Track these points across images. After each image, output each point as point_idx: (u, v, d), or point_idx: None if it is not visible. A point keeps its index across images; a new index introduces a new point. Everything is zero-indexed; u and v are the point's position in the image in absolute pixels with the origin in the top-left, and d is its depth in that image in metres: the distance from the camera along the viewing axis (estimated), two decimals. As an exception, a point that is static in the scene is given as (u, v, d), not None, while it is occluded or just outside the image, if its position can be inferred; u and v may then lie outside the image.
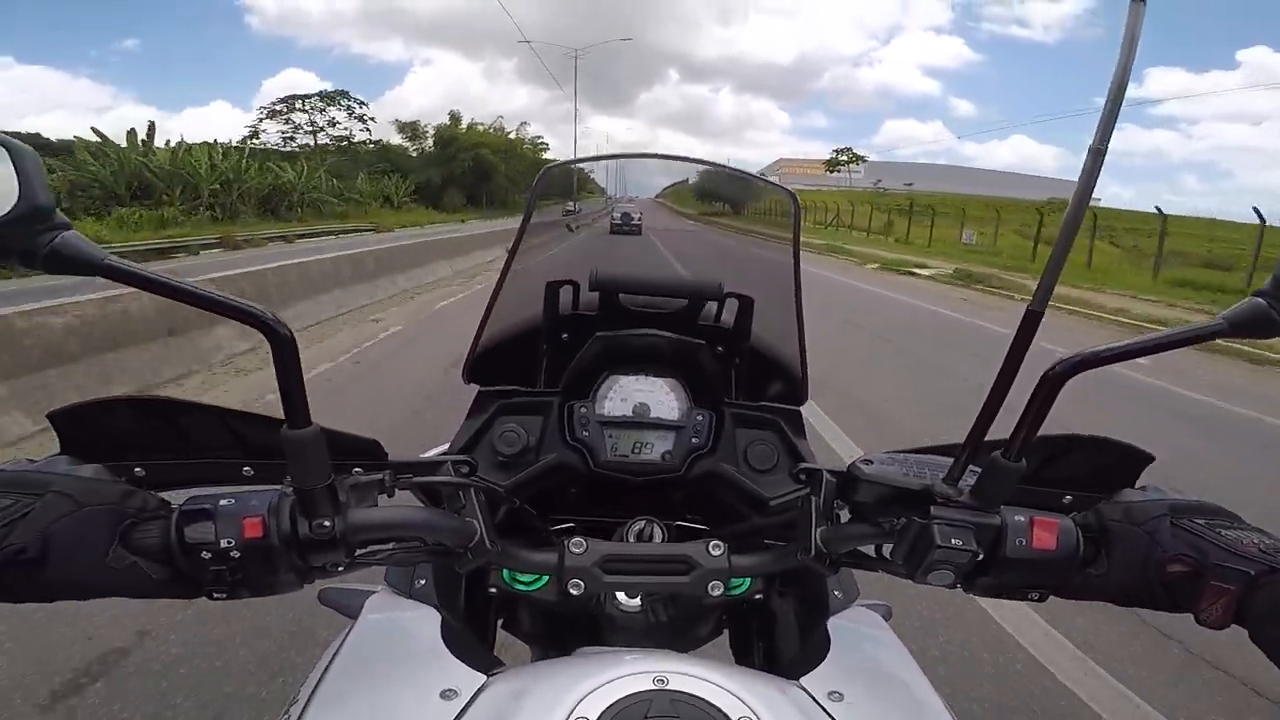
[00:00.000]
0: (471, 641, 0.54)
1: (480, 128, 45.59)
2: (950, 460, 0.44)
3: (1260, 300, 0.36)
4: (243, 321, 0.36)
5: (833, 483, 0.50)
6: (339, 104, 43.40)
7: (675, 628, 0.61)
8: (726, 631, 0.70)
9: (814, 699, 0.45)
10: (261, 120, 42.58)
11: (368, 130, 43.13)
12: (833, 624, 0.55)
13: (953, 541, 0.43)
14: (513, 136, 49.82)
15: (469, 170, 41.46)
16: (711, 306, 0.72)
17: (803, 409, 0.72)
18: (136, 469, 0.46)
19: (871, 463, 0.48)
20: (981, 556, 0.43)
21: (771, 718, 0.39)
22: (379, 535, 0.44)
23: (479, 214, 40.92)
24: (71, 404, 0.46)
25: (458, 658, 0.47)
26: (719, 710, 0.39)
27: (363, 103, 43.99)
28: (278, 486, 0.41)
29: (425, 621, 0.53)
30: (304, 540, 0.41)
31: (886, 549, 0.48)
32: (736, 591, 0.61)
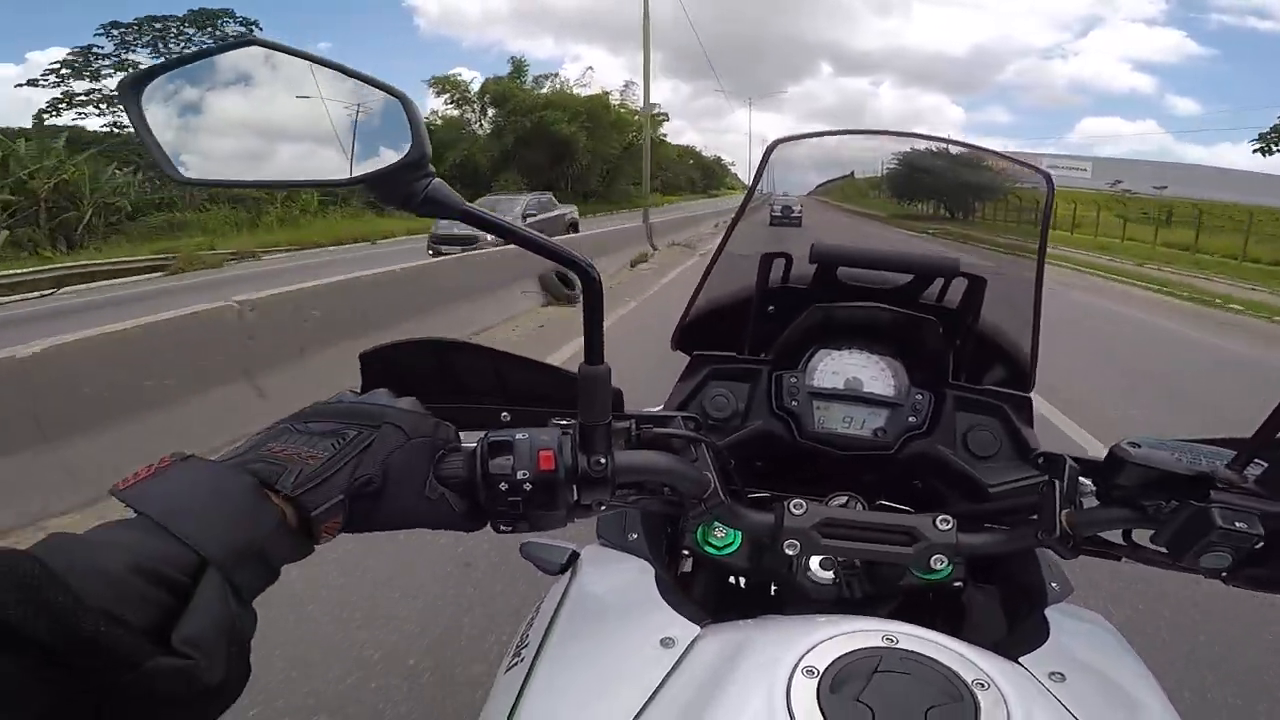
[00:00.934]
0: (682, 594, 0.62)
1: (556, 84, 36.93)
2: (1227, 452, 0.48)
3: None
4: (563, 264, 0.45)
5: (1076, 468, 0.54)
6: (219, 30, 27.81)
7: (863, 606, 0.68)
8: None
9: (1035, 677, 0.48)
10: (62, 67, 26.79)
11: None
12: (1050, 612, 0.59)
13: (1236, 525, 0.45)
14: (616, 101, 39.07)
15: (525, 142, 32.35)
16: (934, 287, 0.78)
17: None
18: None
19: (1140, 445, 0.51)
20: (1261, 545, 0.46)
21: (1006, 684, 0.42)
22: (636, 477, 0.52)
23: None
24: (380, 345, 0.58)
25: (673, 608, 0.55)
26: (954, 672, 0.42)
27: (251, 22, 29.40)
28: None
29: (642, 573, 0.62)
30: (582, 475, 0.48)
31: (1140, 536, 0.51)
32: (939, 575, 0.66)
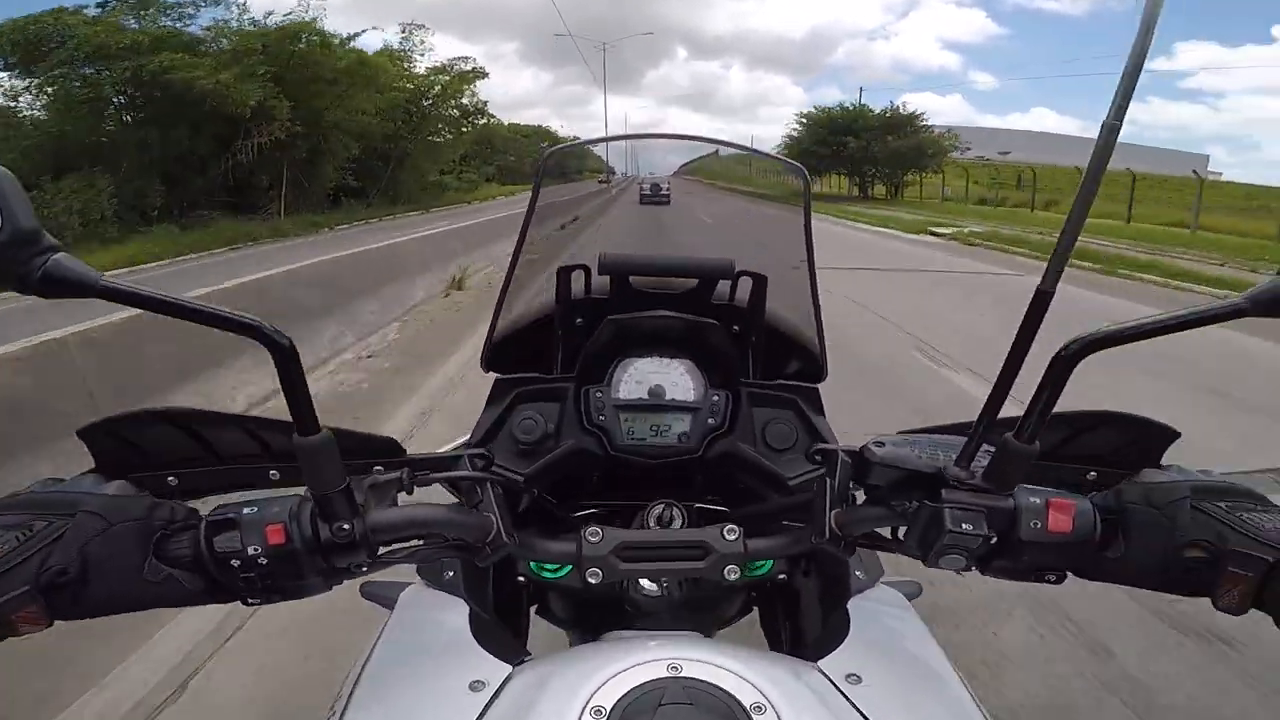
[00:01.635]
0: (499, 632, 0.68)
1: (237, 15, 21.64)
2: (964, 440, 0.52)
3: None
4: (242, 334, 0.45)
5: (848, 463, 0.60)
6: None
7: (701, 608, 0.76)
8: (757, 610, 0.87)
9: (831, 682, 0.55)
10: None
11: None
12: (853, 605, 0.68)
13: (963, 526, 0.50)
14: (395, 44, 26.67)
15: (140, 119, 19.17)
16: (725, 286, 0.87)
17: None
18: (170, 478, 0.58)
19: (884, 445, 0.58)
20: (995, 540, 0.52)
21: (784, 703, 0.47)
22: (399, 534, 0.55)
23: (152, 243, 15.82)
24: (99, 419, 0.56)
25: (485, 649, 0.59)
26: (731, 696, 0.47)
27: None
28: (300, 490, 0.52)
29: (455, 614, 0.65)
30: (326, 544, 0.51)
31: (901, 533, 0.57)
32: (759, 573, 0.75)
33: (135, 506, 0.50)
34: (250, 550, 0.49)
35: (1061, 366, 0.45)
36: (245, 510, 0.50)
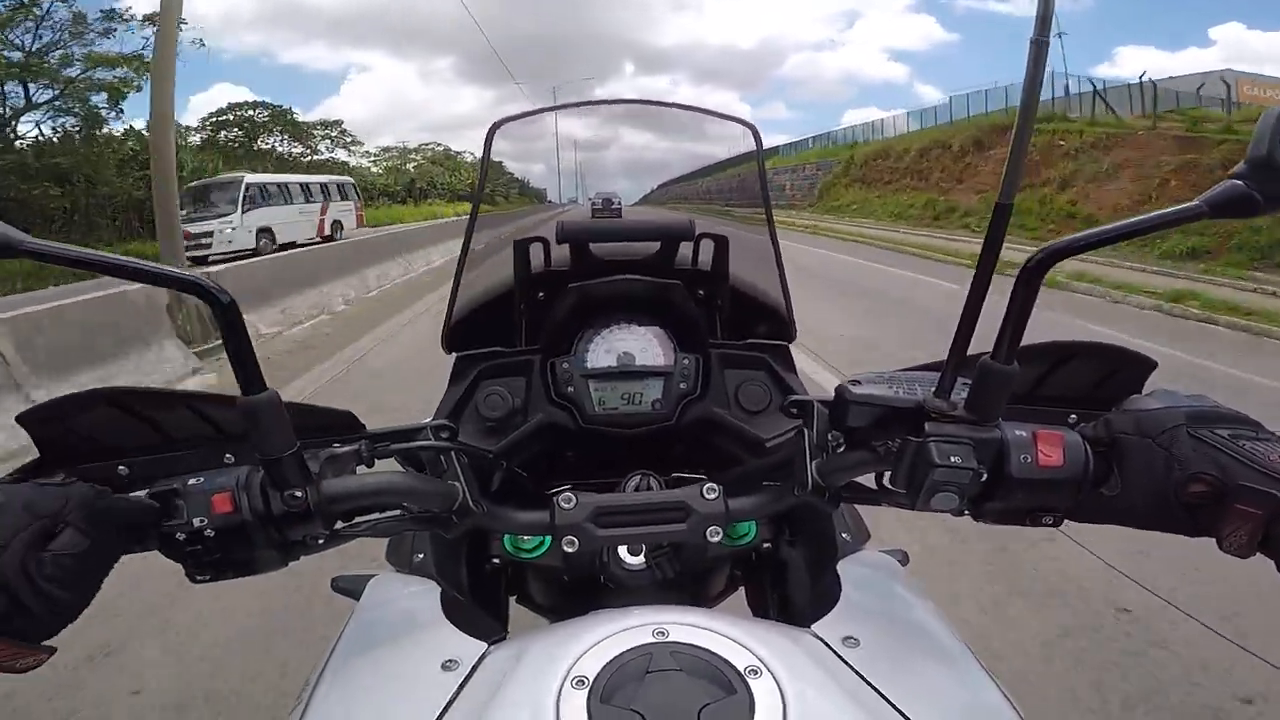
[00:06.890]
0: (473, 612, 0.65)
1: None
2: (941, 375, 0.51)
3: (1238, 182, 0.42)
4: (182, 290, 0.44)
5: (825, 413, 0.60)
6: None
7: (685, 584, 0.73)
8: (744, 588, 0.85)
9: (827, 645, 0.53)
10: None
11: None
12: (842, 568, 0.66)
13: (951, 459, 0.48)
14: None
15: None
16: (687, 251, 0.86)
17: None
18: (120, 467, 0.55)
19: (860, 384, 0.56)
20: (985, 477, 0.50)
21: (781, 666, 0.45)
22: (357, 504, 0.53)
23: None
24: (39, 405, 0.54)
25: (459, 628, 0.57)
26: (724, 660, 0.45)
27: None
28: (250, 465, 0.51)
29: (425, 595, 0.63)
30: (278, 514, 0.49)
31: (888, 479, 0.55)
32: (743, 541, 0.73)
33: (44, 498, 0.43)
34: (196, 523, 0.46)
35: (1029, 278, 0.44)
36: (190, 481, 0.48)
